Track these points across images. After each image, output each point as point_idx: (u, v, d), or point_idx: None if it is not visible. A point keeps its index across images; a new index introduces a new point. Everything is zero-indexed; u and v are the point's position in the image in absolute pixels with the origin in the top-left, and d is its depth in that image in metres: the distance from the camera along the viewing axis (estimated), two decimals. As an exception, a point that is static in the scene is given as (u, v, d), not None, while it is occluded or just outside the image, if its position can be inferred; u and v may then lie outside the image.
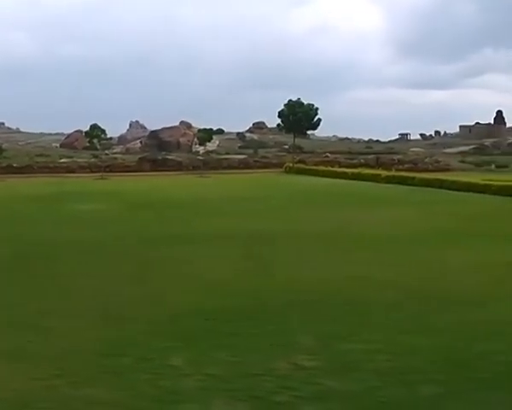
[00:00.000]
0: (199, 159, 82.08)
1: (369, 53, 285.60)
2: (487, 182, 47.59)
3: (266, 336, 12.20)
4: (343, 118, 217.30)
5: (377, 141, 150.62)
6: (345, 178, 61.26)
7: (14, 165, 72.59)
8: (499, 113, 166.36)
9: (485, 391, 9.50)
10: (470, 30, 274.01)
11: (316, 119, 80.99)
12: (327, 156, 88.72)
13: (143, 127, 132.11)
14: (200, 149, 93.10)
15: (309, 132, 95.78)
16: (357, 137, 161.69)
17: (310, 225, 28.46)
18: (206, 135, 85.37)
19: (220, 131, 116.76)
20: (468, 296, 15.29)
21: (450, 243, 23.41)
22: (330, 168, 70.38)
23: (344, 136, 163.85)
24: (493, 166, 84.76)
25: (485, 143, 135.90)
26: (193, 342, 11.86)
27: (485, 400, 9.20)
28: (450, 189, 47.87)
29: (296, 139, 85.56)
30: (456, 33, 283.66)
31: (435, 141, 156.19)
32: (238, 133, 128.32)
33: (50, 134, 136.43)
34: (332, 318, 13.44)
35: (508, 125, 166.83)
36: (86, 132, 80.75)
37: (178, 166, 77.07)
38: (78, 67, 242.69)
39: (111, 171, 71.21)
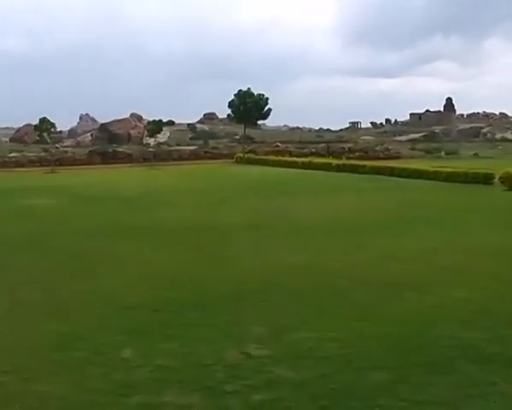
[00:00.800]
0: (149, 151, 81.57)
1: (319, 43, 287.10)
2: (437, 169, 48.06)
3: (217, 326, 12.16)
4: (294, 107, 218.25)
5: (328, 130, 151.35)
6: (295, 168, 61.38)
7: (-38, 160, 71.61)
8: (449, 100, 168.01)
9: (434, 375, 9.58)
10: (420, 18, 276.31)
11: (266, 108, 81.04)
12: (277, 146, 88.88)
13: (94, 120, 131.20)
14: (151, 141, 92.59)
15: (260, 122, 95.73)
16: (308, 126, 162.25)
17: (259, 215, 28.48)
18: (156, 127, 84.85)
19: (171, 123, 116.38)
20: (418, 282, 15.39)
21: (399, 230, 23.61)
22: (281, 158, 70.51)
23: (295, 125, 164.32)
24: (443, 154, 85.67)
25: (435, 131, 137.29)
26: (144, 334, 11.78)
27: (435, 383, 9.27)
28: (400, 176, 48.26)
29: (247, 129, 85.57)
30: (407, 21, 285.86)
31: (386, 129, 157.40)
32: (189, 124, 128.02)
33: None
34: (282, 307, 13.43)
35: (457, 112, 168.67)
36: (36, 126, 79.65)
37: (129, 159, 76.57)
38: (24, 60, 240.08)
39: (61, 164, 70.41)
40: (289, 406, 8.68)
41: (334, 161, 60.75)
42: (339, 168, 56.80)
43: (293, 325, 12.10)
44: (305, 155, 74.21)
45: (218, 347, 10.96)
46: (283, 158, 70.54)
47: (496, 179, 41.65)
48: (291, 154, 78.89)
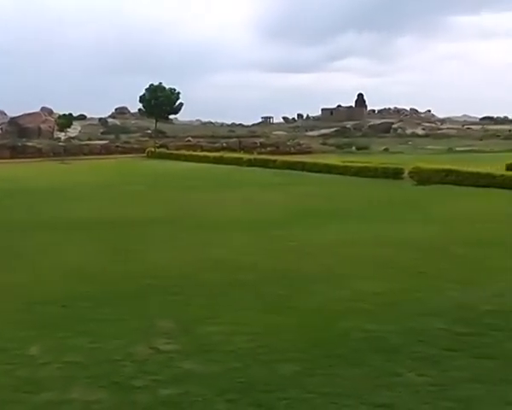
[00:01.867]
0: (60, 145, 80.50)
1: (234, 38, 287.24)
2: (347, 164, 48.63)
3: (126, 321, 12.07)
4: (207, 102, 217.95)
5: (240, 125, 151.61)
6: (207, 162, 61.36)
7: None
8: (360, 96, 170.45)
9: (342, 367, 9.69)
10: (334, 14, 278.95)
11: (177, 103, 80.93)
12: (189, 141, 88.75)
13: (3, 114, 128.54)
14: (62, 135, 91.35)
15: (172, 117, 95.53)
16: (221, 121, 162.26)
17: (170, 209, 28.42)
18: (67, 121, 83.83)
19: (82, 117, 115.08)
20: (327, 275, 15.56)
21: (310, 224, 23.80)
22: (192, 152, 70.46)
23: (207, 120, 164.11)
24: (354, 148, 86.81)
25: (347, 126, 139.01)
26: (51, 330, 11.60)
27: (342, 375, 9.37)
28: (311, 171, 48.66)
29: (159, 124, 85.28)
30: (320, 17, 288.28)
31: (298, 124, 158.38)
32: (100, 119, 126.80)
33: None
34: (191, 301, 13.41)
35: (369, 107, 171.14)
36: None
37: (39, 153, 75.43)
38: None
39: (-32, 159, 68.94)
40: (196, 400, 8.64)
41: (246, 156, 60.94)
42: (250, 163, 56.99)
43: (203, 319, 12.07)
44: (217, 150, 74.35)
45: (127, 342, 10.88)
46: (195, 153, 70.51)
47: (405, 174, 42.36)
48: (203, 148, 78.88)
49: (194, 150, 73.90)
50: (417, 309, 12.66)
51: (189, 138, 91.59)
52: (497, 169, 40.10)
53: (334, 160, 53.59)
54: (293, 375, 9.43)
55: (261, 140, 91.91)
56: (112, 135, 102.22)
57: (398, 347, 10.58)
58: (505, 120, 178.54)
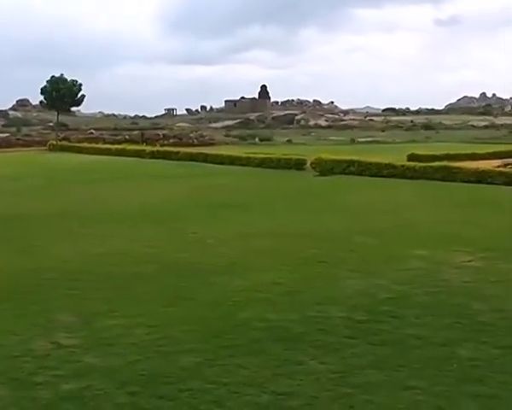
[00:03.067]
0: (-42, 138, 78.53)
1: (137, 30, 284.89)
2: (250, 155, 48.80)
3: (26, 316, 11.85)
4: (110, 94, 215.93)
5: (143, 117, 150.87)
6: (109, 155, 60.72)
7: None
8: (264, 87, 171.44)
9: (242, 357, 9.72)
10: (238, 6, 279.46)
11: (80, 95, 79.79)
12: (91, 133, 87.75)
13: None
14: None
15: (75, 109, 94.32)
16: (124, 113, 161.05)
17: (71, 203, 28.03)
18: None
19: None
20: (229, 266, 15.58)
21: (212, 215, 23.81)
22: (94, 145, 69.71)
23: (110, 112, 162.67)
24: (257, 140, 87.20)
25: (250, 118, 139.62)
26: None
27: (242, 365, 9.42)
28: (214, 162, 48.66)
29: (61, 116, 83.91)
30: (225, 9, 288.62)
31: (201, 116, 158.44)
32: (1, 111, 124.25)
33: None
34: (92, 294, 13.25)
35: (272, 99, 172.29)
36: None
37: None
38: None
39: None
40: (98, 394, 8.56)
41: (148, 148, 60.56)
42: (153, 155, 56.67)
43: (103, 313, 11.96)
44: (120, 143, 73.63)
45: (27, 337, 10.69)
46: (97, 145, 69.81)
47: (307, 165, 42.72)
48: (105, 141, 78.05)
49: (97, 143, 73.15)
50: (317, 298, 12.80)
51: (92, 131, 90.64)
52: (399, 159, 40.89)
53: (236, 151, 53.71)
54: (195, 366, 9.42)
55: (164, 132, 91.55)
56: (13, 128, 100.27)
57: (299, 335, 10.69)
58: (407, 112, 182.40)
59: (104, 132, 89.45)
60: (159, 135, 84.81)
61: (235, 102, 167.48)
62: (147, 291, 13.50)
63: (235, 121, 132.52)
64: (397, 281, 14.10)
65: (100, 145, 69.73)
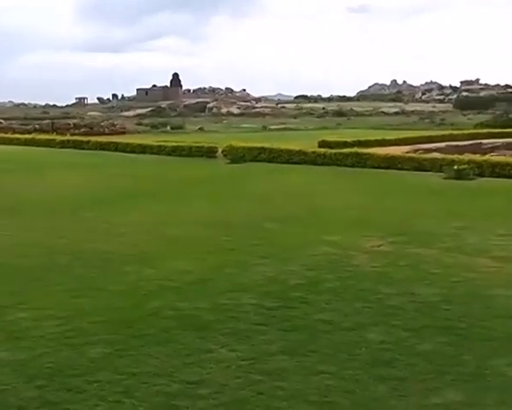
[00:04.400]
0: None
1: (47, 18, 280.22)
2: (161, 143, 48.46)
3: None
4: (20, 83, 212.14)
5: (54, 106, 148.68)
6: (18, 145, 59.51)
7: None
8: (176, 75, 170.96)
9: (152, 346, 9.66)
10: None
11: (-14, 84, 78.18)
12: (0, 123, 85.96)
13: None
14: None
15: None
16: (34, 102, 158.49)
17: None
18: None
19: None
20: (140, 255, 15.46)
21: (125, 204, 23.55)
22: (4, 135, 68.17)
23: (20, 101, 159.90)
24: (169, 128, 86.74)
25: (162, 106, 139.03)
26: None
27: (152, 354, 9.36)
28: (125, 151, 48.12)
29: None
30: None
31: (113, 104, 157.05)
32: None
33: None
34: (0, 287, 13.01)
35: (184, 87, 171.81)
36: None
37: None
38: None
39: None
40: (5, 389, 8.38)
41: (58, 138, 59.56)
42: (63, 144, 55.73)
43: (11, 306, 11.71)
44: (29, 132, 72.29)
45: None
46: (6, 135, 68.29)
47: (219, 152, 42.68)
48: (14, 131, 76.50)
49: (6, 133, 71.57)
50: (228, 286, 12.80)
51: (1, 121, 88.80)
52: (310, 146, 41.14)
53: (148, 140, 53.31)
54: (103, 357, 9.32)
55: (75, 121, 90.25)
56: None
57: (210, 323, 10.67)
58: (319, 99, 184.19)
59: (13, 122, 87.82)
60: (69, 124, 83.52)
61: (146, 91, 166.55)
62: (57, 282, 13.27)
63: (146, 110, 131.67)
64: (308, 267, 14.19)
65: (9, 135, 68.27)
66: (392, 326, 10.48)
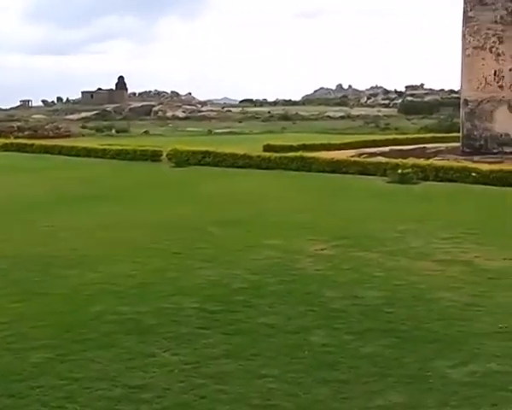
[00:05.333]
0: None
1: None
2: (106, 147, 48.05)
3: None
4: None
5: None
6: (-40, 148, 58.62)
7: None
8: (121, 78, 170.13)
9: (94, 351, 9.60)
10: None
11: None
12: None
13: None
14: None
15: None
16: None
17: None
18: None
19: None
20: (83, 259, 15.31)
21: (66, 207, 23.33)
22: None
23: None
24: (114, 131, 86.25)
25: (107, 109, 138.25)
26: None
27: (94, 359, 9.31)
28: (69, 155, 47.58)
29: None
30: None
31: (58, 107, 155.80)
32: None
33: None
34: None
35: (130, 90, 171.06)
36: None
37: None
38: None
39: None
40: None
41: (1, 140, 58.85)
42: (6, 147, 55.00)
43: None
44: (-28, 135, 71.28)
45: None
46: None
47: (164, 156, 42.47)
48: (-44, 133, 75.37)
49: None
50: (171, 290, 12.75)
51: None
52: (255, 150, 41.15)
53: (92, 143, 52.87)
54: (46, 362, 9.22)
55: (19, 124, 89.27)
56: None
57: (152, 327, 10.62)
58: (264, 103, 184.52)
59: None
60: (13, 127, 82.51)
61: (91, 94, 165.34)
62: (-3, 287, 13.10)
63: (91, 113, 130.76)
64: (251, 271, 14.18)
65: (-51, 138, 67.37)
66: (336, 329, 10.52)
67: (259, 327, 10.65)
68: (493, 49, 41.95)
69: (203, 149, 40.77)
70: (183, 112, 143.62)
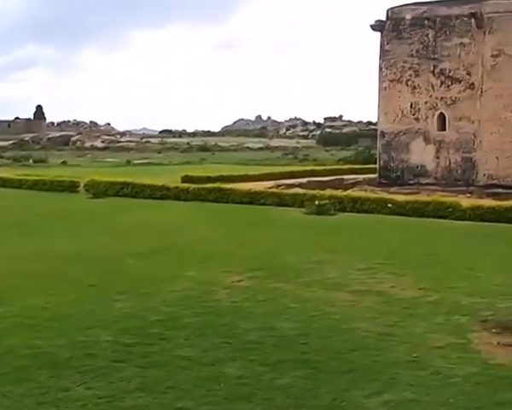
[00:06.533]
0: None
1: None
2: (22, 177, 47.34)
3: None
4: None
5: None
6: None
7: None
8: (39, 108, 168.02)
9: (7, 386, 9.43)
10: (16, 25, 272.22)
11: None
12: None
13: None
14: None
15: None
16: None
17: None
18: None
19: None
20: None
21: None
22: None
23: None
24: (31, 161, 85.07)
25: (25, 139, 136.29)
26: None
27: (7, 394, 9.15)
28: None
29: None
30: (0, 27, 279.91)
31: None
32: None
33: None
34: None
35: (48, 120, 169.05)
36: None
37: None
38: None
39: None
40: None
41: None
42: None
43: None
44: None
45: None
46: None
47: (81, 187, 42.02)
48: None
49: None
50: (86, 322, 12.60)
51: None
52: (173, 181, 41.06)
53: (9, 173, 52.05)
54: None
55: None
56: None
57: (66, 361, 10.47)
58: (183, 134, 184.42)
59: None
60: None
61: (9, 123, 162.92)
62: None
63: (8, 142, 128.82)
64: (167, 303, 14.14)
65: None
66: (251, 361, 10.53)
67: (175, 360, 10.60)
68: (409, 82, 43.02)
69: (121, 180, 40.50)
70: (102, 142, 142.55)
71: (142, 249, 20.63)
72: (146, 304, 14.02)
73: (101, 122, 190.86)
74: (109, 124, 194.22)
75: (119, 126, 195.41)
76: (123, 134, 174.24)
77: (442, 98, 42.26)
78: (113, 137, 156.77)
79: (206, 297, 14.64)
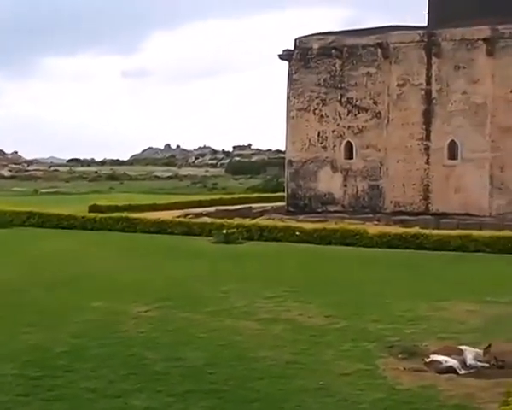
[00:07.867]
0: None
1: None
2: None
3: None
4: None
5: None
6: None
7: None
8: None
9: None
10: None
11: None
12: None
13: None
14: None
15: None
16: None
17: None
18: None
19: None
20: None
21: None
22: None
23: None
24: None
25: None
26: None
27: None
28: None
29: None
30: None
31: None
32: None
33: None
34: None
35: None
36: None
37: None
38: None
39: None
40: None
41: None
42: None
43: None
44: None
45: None
46: None
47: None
48: None
49: None
50: (-11, 356, 12.40)
51: None
52: (81, 210, 40.64)
53: None
54: None
55: None
56: None
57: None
58: (92, 162, 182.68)
59: None
60: None
61: None
62: None
63: None
64: (73, 334, 13.99)
65: None
66: (157, 392, 10.49)
67: (81, 392, 10.49)
68: (317, 111, 43.58)
69: (28, 209, 39.86)
70: (9, 171, 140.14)
71: (49, 280, 20.37)
72: (52, 336, 13.84)
73: (8, 151, 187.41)
74: (16, 152, 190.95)
75: (27, 155, 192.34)
76: (30, 163, 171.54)
77: (349, 127, 42.91)
78: (20, 166, 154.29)
79: (113, 328, 14.55)
